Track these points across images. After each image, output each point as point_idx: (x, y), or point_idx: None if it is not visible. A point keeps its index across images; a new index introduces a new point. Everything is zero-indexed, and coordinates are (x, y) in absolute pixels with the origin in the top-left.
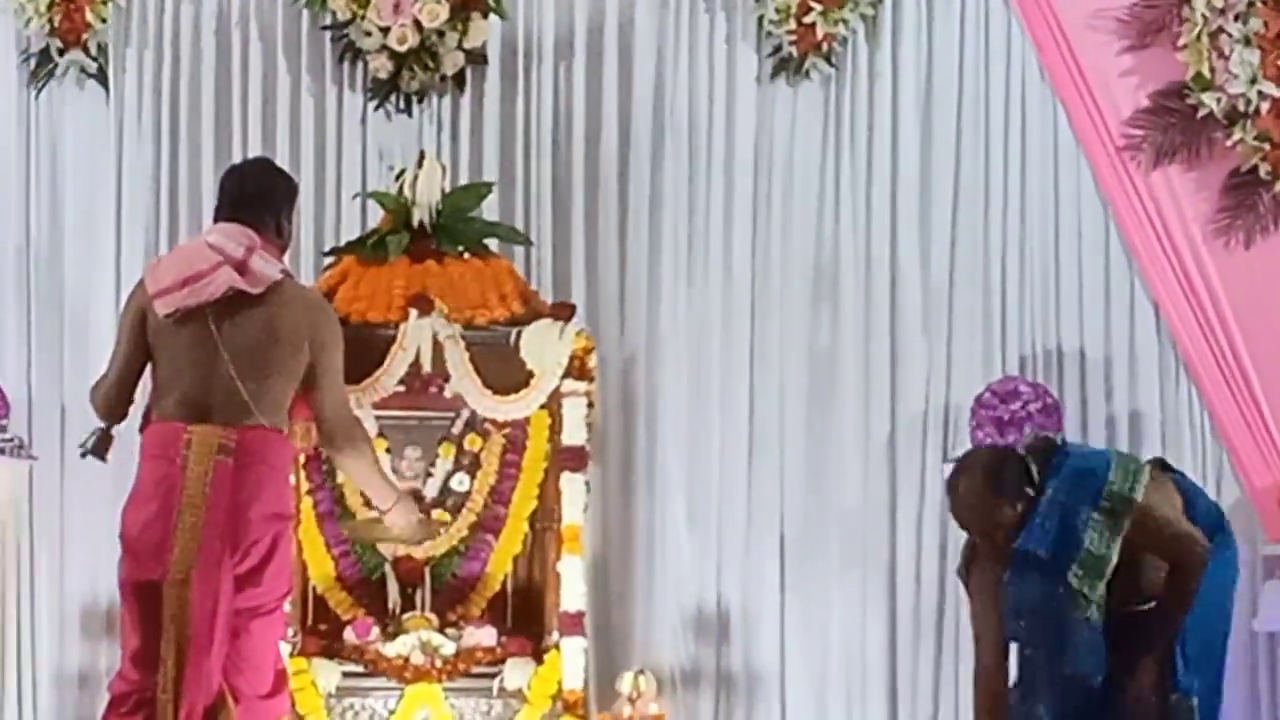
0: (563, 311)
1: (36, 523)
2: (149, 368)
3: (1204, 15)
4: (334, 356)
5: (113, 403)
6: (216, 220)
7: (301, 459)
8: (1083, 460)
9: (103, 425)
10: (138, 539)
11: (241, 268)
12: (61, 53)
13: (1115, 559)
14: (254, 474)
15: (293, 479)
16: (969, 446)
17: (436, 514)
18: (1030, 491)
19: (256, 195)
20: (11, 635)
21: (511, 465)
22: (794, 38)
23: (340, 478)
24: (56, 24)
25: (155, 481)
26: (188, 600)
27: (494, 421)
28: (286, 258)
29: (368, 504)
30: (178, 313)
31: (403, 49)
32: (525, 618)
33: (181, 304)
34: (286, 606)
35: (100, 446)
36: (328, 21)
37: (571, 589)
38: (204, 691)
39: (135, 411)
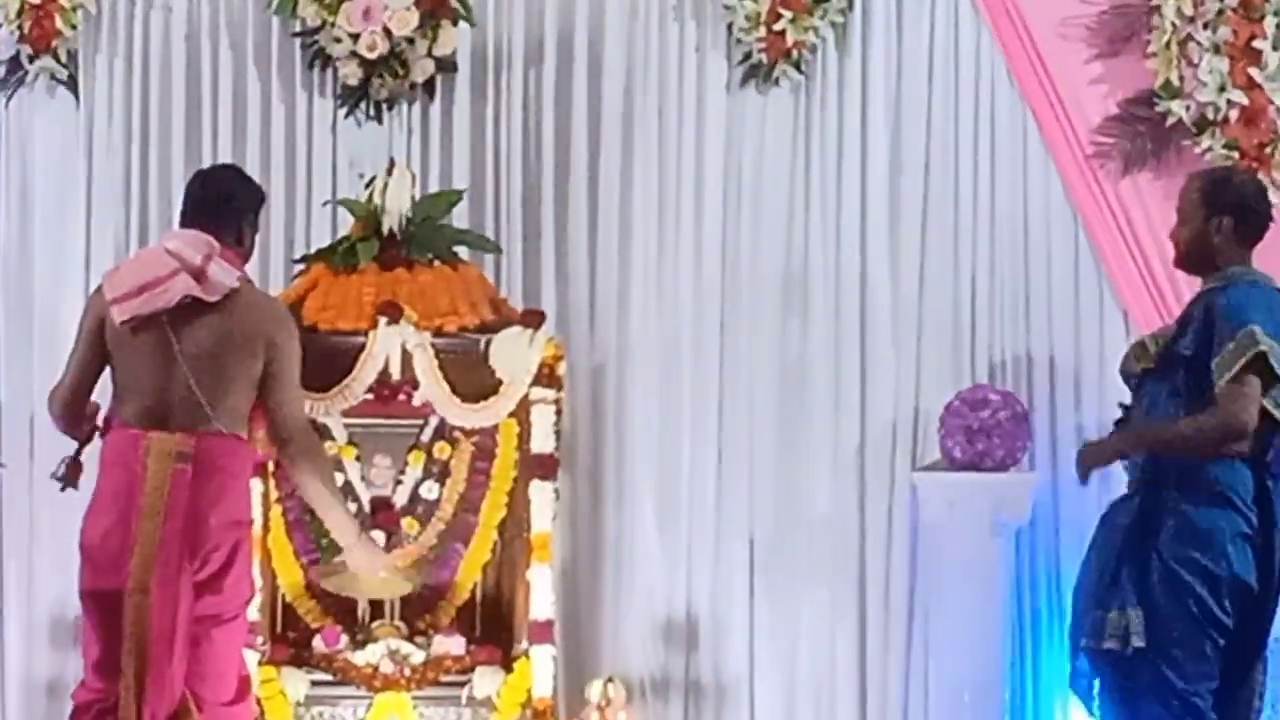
0: (532, 319)
1: (5, 531)
2: (109, 374)
3: (1173, 23)
4: (290, 364)
5: (69, 407)
6: (181, 226)
7: (271, 467)
8: None
9: (72, 453)
10: (98, 547)
11: (199, 275)
12: (31, 59)
13: None
14: (213, 481)
15: (254, 485)
16: (938, 456)
17: (405, 522)
18: None
19: (219, 202)
20: None
21: (481, 473)
22: (764, 45)
23: None
24: (26, 31)
25: (114, 490)
26: (148, 608)
27: (463, 429)
28: (254, 264)
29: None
30: (134, 320)
31: (373, 56)
32: (494, 626)
33: (138, 311)
34: (254, 614)
35: (71, 475)
36: (298, 28)
37: (541, 597)
38: (166, 700)
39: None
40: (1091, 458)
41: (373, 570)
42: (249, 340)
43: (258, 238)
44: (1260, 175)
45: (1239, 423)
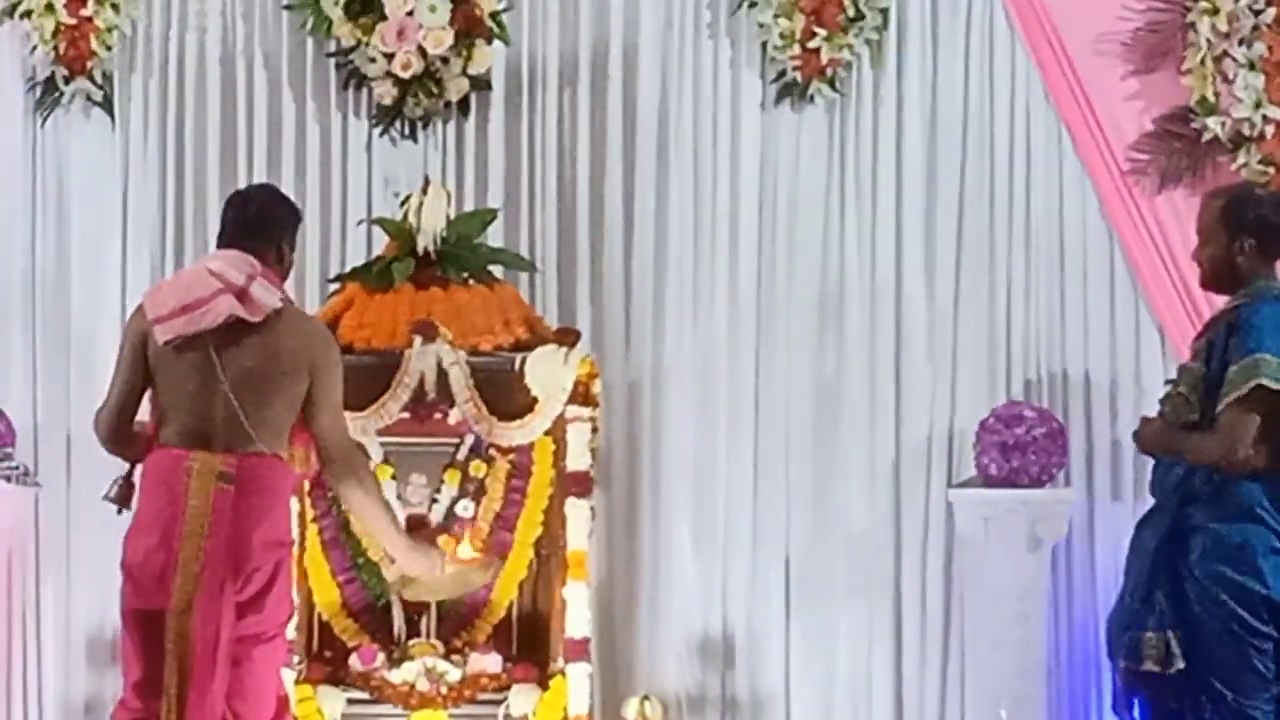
0: (567, 337)
1: (42, 551)
2: (150, 394)
3: (1208, 40)
4: (333, 383)
5: (114, 428)
6: (219, 246)
7: (306, 486)
8: None
9: (124, 474)
10: (140, 567)
11: (242, 295)
12: (67, 80)
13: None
14: (255, 501)
15: (295, 505)
16: (973, 472)
17: (441, 540)
18: None
19: (259, 222)
20: (18, 664)
21: (516, 491)
22: (798, 63)
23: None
24: (62, 51)
25: (157, 509)
26: (190, 628)
27: (499, 447)
28: (290, 284)
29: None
30: (177, 339)
31: (407, 75)
32: (530, 644)
33: (181, 331)
34: (291, 633)
35: (124, 496)
36: (332, 48)
37: (577, 615)
38: (209, 718)
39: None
40: (1153, 443)
41: (432, 571)
42: (292, 361)
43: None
44: None
45: (1237, 459)
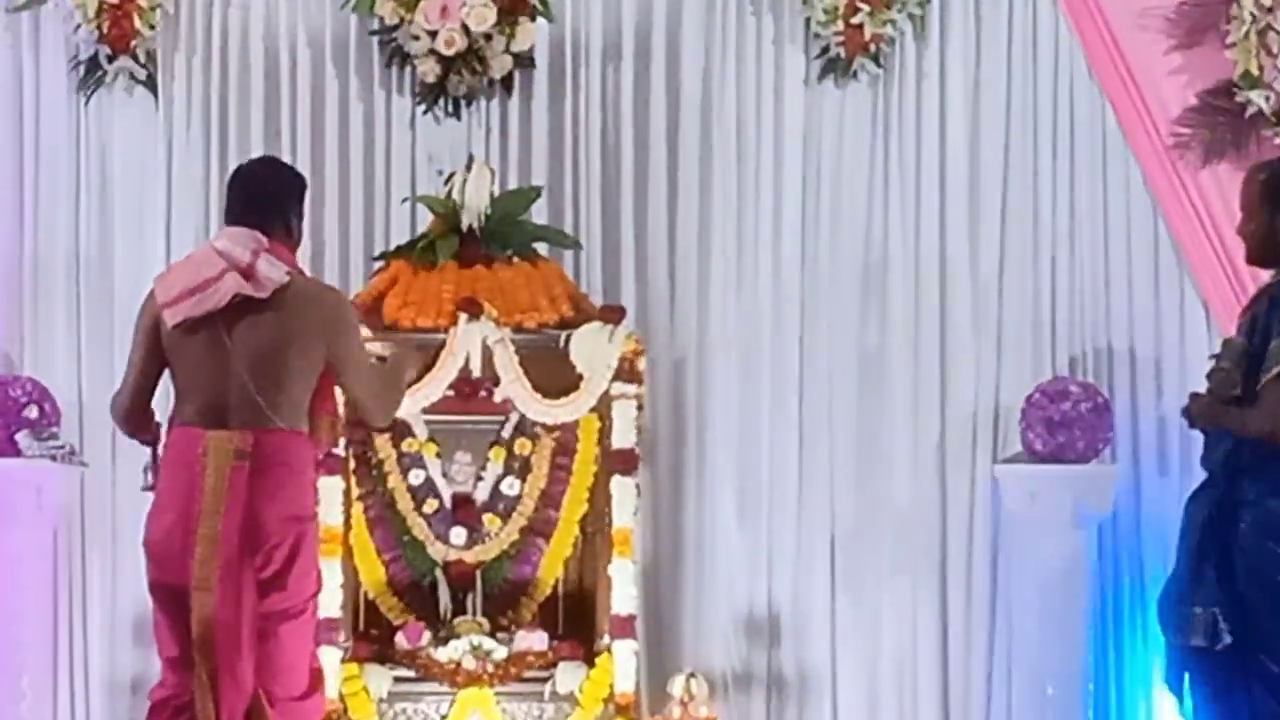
0: (612, 314)
1: (88, 530)
2: (169, 376)
3: (1252, 13)
4: (352, 349)
5: (128, 412)
6: (226, 224)
7: (352, 464)
8: None
9: (150, 459)
10: (160, 545)
11: (248, 272)
12: (110, 60)
13: None
14: (272, 477)
15: (335, 483)
16: (1019, 448)
17: (487, 518)
18: None
19: (262, 196)
20: (64, 642)
21: (562, 469)
22: (841, 39)
23: (390, 482)
24: (105, 31)
25: (175, 488)
26: (212, 605)
27: (544, 425)
28: (335, 262)
29: (418, 507)
30: (186, 322)
31: (450, 53)
32: (576, 621)
33: (189, 313)
34: (337, 611)
35: (156, 479)
36: (375, 26)
37: (622, 592)
38: (241, 696)
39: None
40: (1200, 419)
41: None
42: (304, 334)
43: (338, 236)
44: None
45: None
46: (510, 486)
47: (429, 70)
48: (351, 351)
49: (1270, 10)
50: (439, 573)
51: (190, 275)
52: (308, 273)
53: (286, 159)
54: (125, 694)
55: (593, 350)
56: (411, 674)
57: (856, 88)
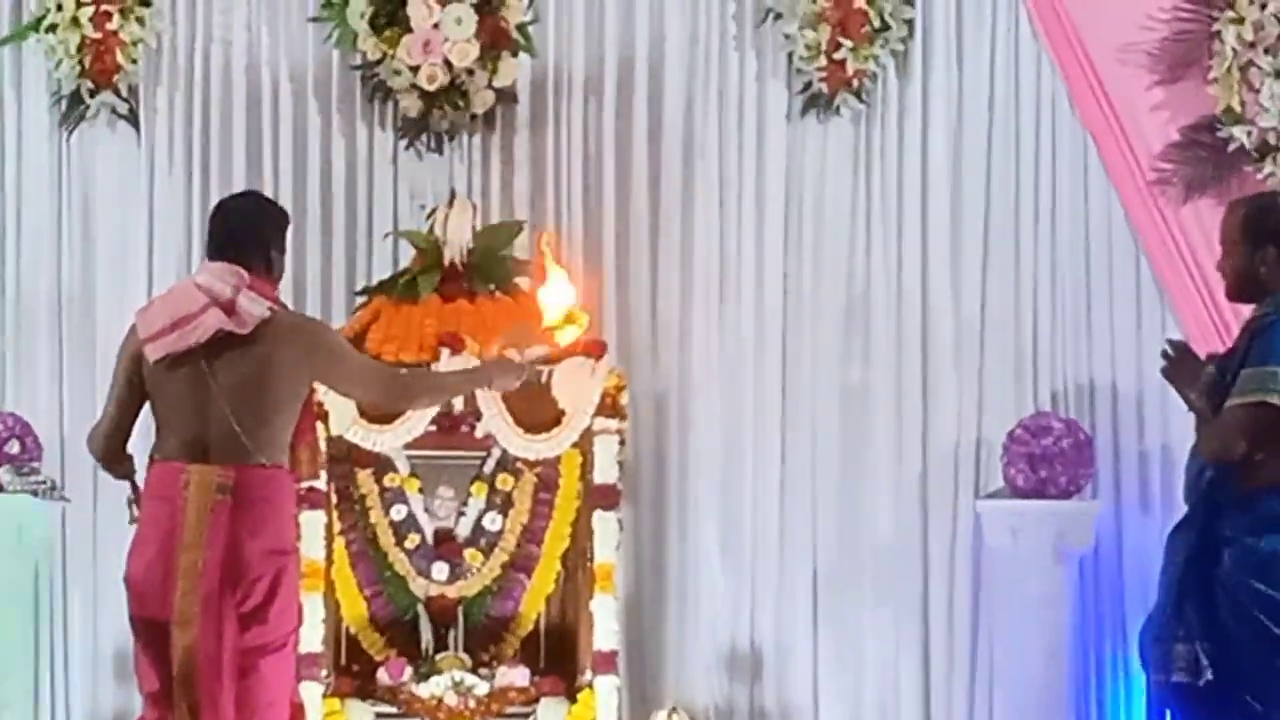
0: (594, 349)
1: (69, 565)
2: (150, 410)
3: (1234, 49)
4: (339, 358)
5: (106, 446)
6: (208, 258)
7: (334, 499)
8: None
9: (130, 493)
10: (141, 580)
11: (229, 308)
12: (93, 94)
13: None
14: (254, 511)
15: (317, 518)
16: (1001, 483)
17: (468, 553)
18: None
19: (243, 231)
20: (46, 677)
21: (544, 504)
22: (824, 74)
23: (373, 517)
24: (87, 65)
25: (156, 522)
26: (193, 639)
27: (526, 460)
28: (316, 297)
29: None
30: (168, 357)
31: (433, 88)
32: (558, 657)
33: (171, 349)
34: (318, 646)
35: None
36: (358, 61)
37: (604, 628)
38: None
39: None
40: (1177, 378)
41: (521, 376)
42: (287, 369)
43: (320, 270)
44: None
45: (1231, 456)
46: (492, 522)
47: (411, 105)
48: (343, 365)
49: (1253, 46)
50: (421, 608)
51: (171, 310)
52: (290, 307)
53: (268, 193)
54: None
55: (575, 385)
56: (393, 710)
57: (839, 123)
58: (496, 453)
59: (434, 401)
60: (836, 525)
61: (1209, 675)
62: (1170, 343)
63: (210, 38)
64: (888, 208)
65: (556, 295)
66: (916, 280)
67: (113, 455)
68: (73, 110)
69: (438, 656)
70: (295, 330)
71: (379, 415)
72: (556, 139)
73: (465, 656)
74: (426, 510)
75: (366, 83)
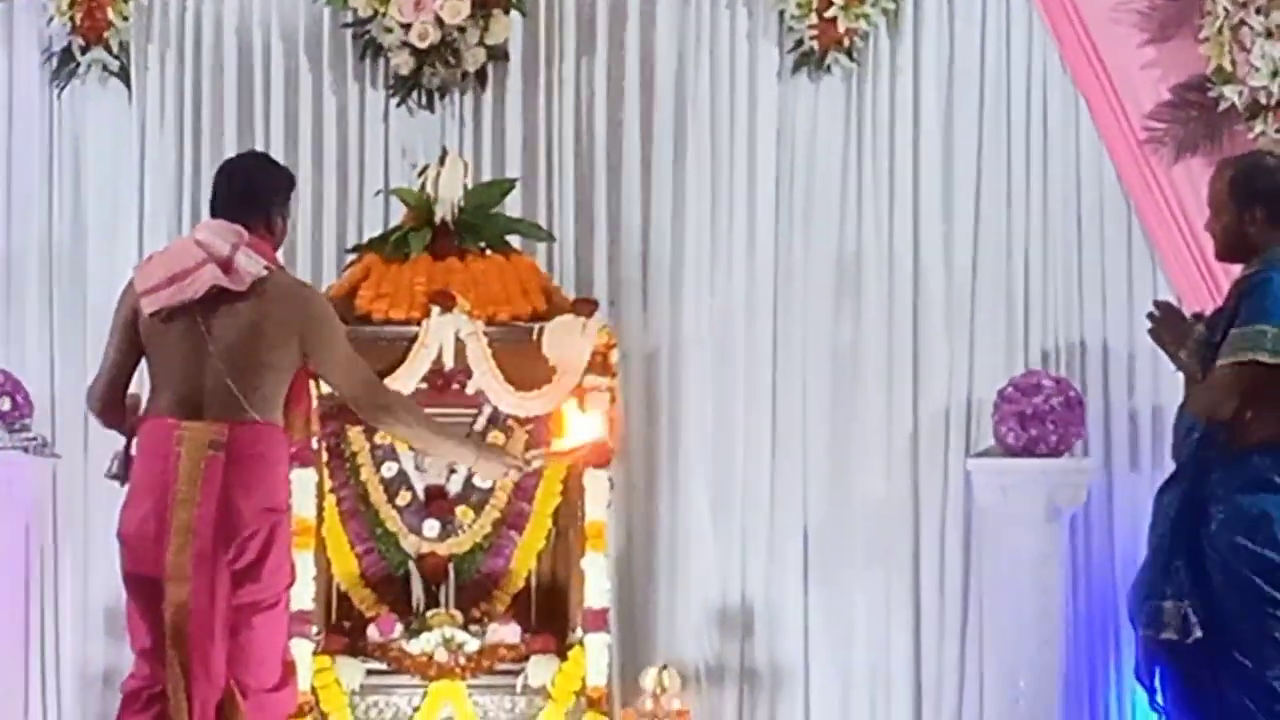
0: (585, 307)
1: (60, 522)
2: (145, 368)
3: (1225, 8)
4: (329, 343)
5: (104, 401)
6: (211, 216)
7: (325, 457)
8: None
9: (122, 448)
10: (134, 536)
11: (226, 265)
12: (84, 51)
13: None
14: (247, 468)
15: (309, 475)
16: (992, 442)
17: (460, 510)
18: None
19: (246, 191)
20: (36, 634)
21: None
22: (815, 33)
23: (364, 474)
24: (78, 22)
25: (149, 479)
26: (186, 596)
27: (517, 418)
28: (307, 255)
29: (391, 499)
30: (163, 311)
31: (424, 45)
32: (549, 614)
33: (166, 303)
34: (309, 604)
35: (125, 470)
36: (349, 19)
37: (595, 585)
38: (214, 687)
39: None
40: (1164, 339)
41: (505, 473)
42: (278, 329)
43: (311, 228)
44: None
45: (1219, 415)
46: (483, 479)
47: (403, 63)
48: (328, 344)
49: (1243, 5)
50: (412, 565)
51: (169, 265)
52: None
53: (256, 149)
54: (97, 685)
55: (565, 343)
56: (384, 666)
57: (830, 82)
58: (488, 410)
59: (408, 436)
60: (827, 484)
61: (1197, 633)
62: (1156, 304)
63: None
64: (879, 166)
65: (584, 429)
66: (908, 239)
67: (111, 410)
68: (64, 67)
69: (428, 613)
70: (290, 293)
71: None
72: (548, 97)
73: (456, 613)
74: (417, 467)
75: (358, 40)
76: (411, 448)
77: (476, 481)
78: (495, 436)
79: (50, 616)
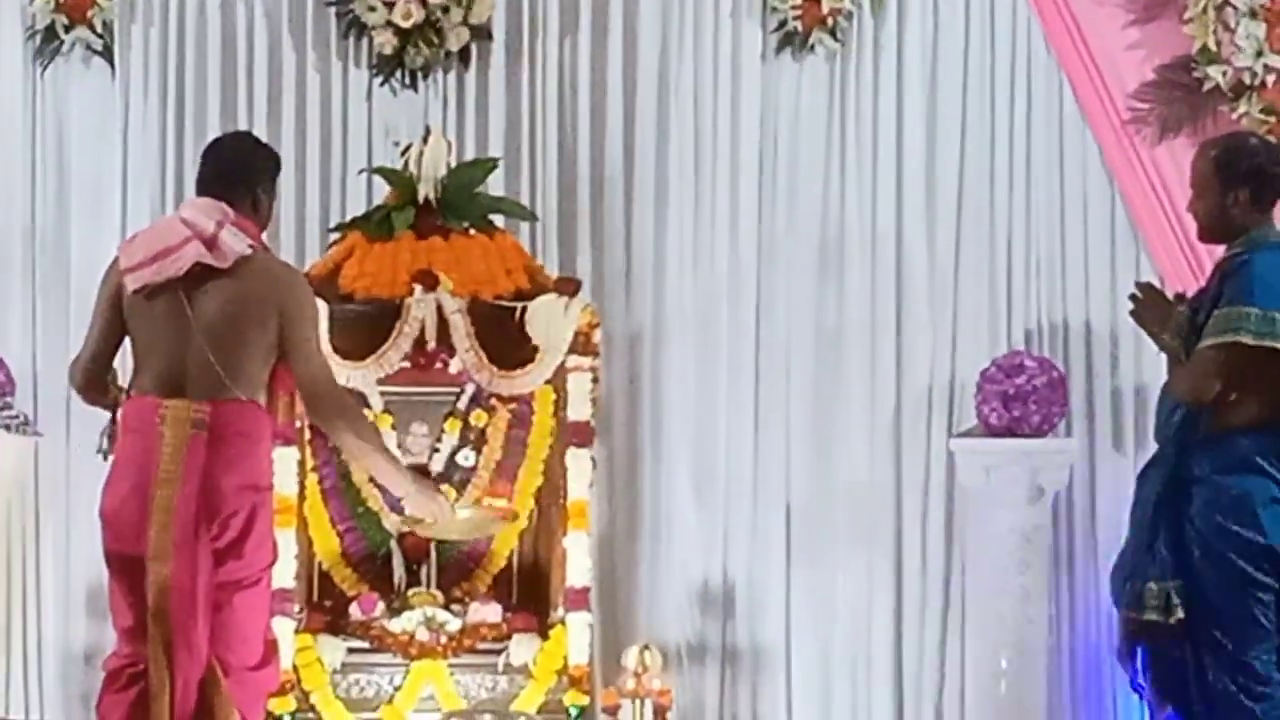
0: (568, 287)
1: (42, 500)
2: (129, 346)
3: None
4: (304, 327)
5: (86, 378)
6: (197, 195)
7: (307, 435)
8: None
9: (107, 424)
10: (116, 514)
11: (210, 242)
12: (67, 29)
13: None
14: (230, 447)
15: (291, 453)
16: (974, 422)
17: (445, 488)
18: None
19: (232, 170)
20: (17, 613)
21: (517, 441)
22: (799, 13)
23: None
24: (61, 1)
25: (131, 457)
26: (168, 574)
27: (499, 397)
28: (290, 233)
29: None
30: (146, 288)
31: (407, 24)
32: (531, 594)
33: (150, 280)
34: (290, 582)
35: (113, 445)
36: None
37: (577, 565)
38: (196, 665)
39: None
40: (1146, 320)
41: (438, 516)
42: (259, 307)
43: (294, 207)
44: None
45: (1203, 398)
46: (465, 458)
47: (386, 42)
48: (301, 331)
49: None
50: (393, 544)
51: (153, 242)
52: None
53: (242, 129)
54: (79, 664)
55: (548, 322)
56: (365, 645)
57: (813, 62)
58: (470, 389)
59: (354, 449)
60: (810, 464)
61: (1179, 613)
62: (1139, 285)
63: None
64: (862, 147)
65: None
66: (891, 219)
67: (91, 384)
68: (47, 46)
69: (410, 592)
70: (274, 273)
71: (352, 351)
72: (531, 76)
73: (438, 593)
74: (400, 446)
75: (341, 19)
76: (331, 465)
77: (459, 460)
78: (478, 416)
79: (32, 595)
